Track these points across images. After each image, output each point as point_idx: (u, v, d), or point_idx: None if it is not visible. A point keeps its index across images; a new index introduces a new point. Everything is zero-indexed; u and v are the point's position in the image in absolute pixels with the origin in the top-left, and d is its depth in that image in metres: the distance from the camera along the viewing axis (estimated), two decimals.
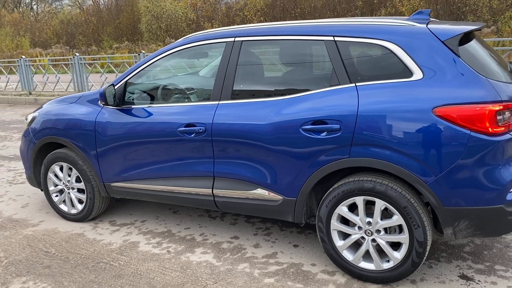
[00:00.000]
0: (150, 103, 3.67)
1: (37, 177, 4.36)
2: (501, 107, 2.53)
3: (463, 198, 2.59)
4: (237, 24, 24.45)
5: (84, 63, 11.95)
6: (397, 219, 2.76)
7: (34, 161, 4.26)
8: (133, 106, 3.64)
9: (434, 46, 2.67)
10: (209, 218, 4.10)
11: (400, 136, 2.63)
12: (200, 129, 3.25)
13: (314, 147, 2.88)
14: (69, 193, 4.16)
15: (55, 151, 4.10)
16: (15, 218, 4.37)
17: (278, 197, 3.11)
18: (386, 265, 2.87)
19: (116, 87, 3.65)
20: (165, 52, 3.56)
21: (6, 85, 13.78)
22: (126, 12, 29.00)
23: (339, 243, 2.99)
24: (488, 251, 3.25)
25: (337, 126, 2.79)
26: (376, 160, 2.72)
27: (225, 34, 3.34)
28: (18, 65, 12.85)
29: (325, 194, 2.98)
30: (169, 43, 16.29)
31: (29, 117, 4.32)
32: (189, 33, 3.37)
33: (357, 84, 2.82)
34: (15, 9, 41.21)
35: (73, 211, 4.17)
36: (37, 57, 24.74)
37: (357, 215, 2.90)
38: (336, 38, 2.93)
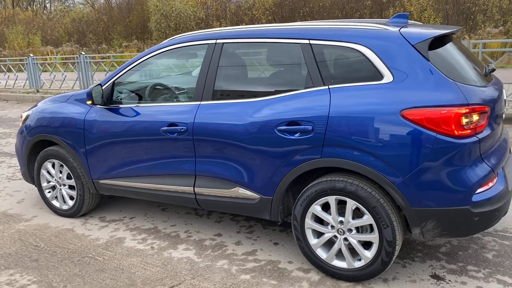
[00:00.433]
0: (138, 103, 3.77)
1: (31, 173, 4.49)
2: (468, 110, 2.58)
3: (429, 198, 2.64)
4: (245, 24, 24.55)
5: (90, 61, 12.12)
6: (367, 219, 2.82)
7: (28, 157, 4.40)
8: (121, 106, 3.75)
9: (404, 50, 2.73)
10: (195, 216, 4.19)
11: (368, 138, 2.69)
12: (182, 129, 3.34)
13: (288, 147, 2.95)
14: (60, 189, 4.28)
15: (47, 148, 4.22)
16: (9, 213, 4.51)
17: (256, 196, 3.19)
18: (357, 264, 2.94)
19: (104, 87, 3.76)
20: (151, 53, 3.66)
21: (15, 83, 14.03)
22: (136, 10, 29.27)
23: (313, 241, 3.06)
24: (464, 252, 3.29)
25: (310, 127, 2.86)
26: (345, 160, 2.78)
27: (207, 36, 3.42)
28: (26, 63, 13.08)
29: (300, 193, 3.05)
30: None
31: (24, 115, 4.45)
32: None
33: (330, 86, 2.88)
34: (28, 7, 41.79)
35: (65, 207, 4.29)
36: (48, 55, 25.09)
37: (330, 214, 2.96)
38: (312, 42, 2.99)
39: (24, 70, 13.43)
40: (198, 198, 3.45)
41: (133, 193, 3.83)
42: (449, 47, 3.07)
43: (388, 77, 2.72)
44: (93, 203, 4.26)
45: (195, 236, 3.79)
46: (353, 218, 2.89)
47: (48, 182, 4.35)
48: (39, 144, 4.34)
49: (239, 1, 27.37)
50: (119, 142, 3.68)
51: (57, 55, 24.30)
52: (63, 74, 12.54)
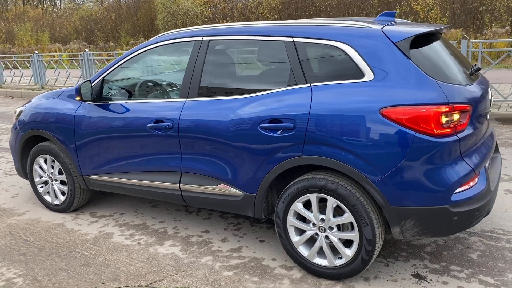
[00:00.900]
0: (127, 99, 3.79)
1: (25, 168, 4.54)
2: (448, 109, 2.56)
3: (408, 197, 2.63)
4: None
5: (93, 59, 12.20)
6: (347, 217, 2.81)
7: (21, 152, 4.44)
8: (110, 102, 3.77)
9: (385, 48, 2.72)
10: (185, 213, 4.21)
11: (348, 136, 2.69)
12: (168, 125, 3.35)
13: (270, 144, 2.96)
14: (52, 184, 4.32)
15: (39, 144, 4.26)
16: (3, 207, 4.56)
17: (239, 193, 3.20)
18: (338, 262, 2.94)
19: (93, 83, 3.79)
20: (140, 49, 3.68)
21: (20, 79, 14.16)
22: (144, 9, 29.35)
23: (295, 238, 3.06)
24: (448, 252, 3.28)
25: (291, 125, 2.86)
26: (325, 158, 2.78)
27: (194, 33, 3.43)
28: (32, 60, 13.19)
29: (283, 191, 3.05)
30: None
31: (18, 111, 4.49)
32: None
33: (312, 84, 2.88)
34: (39, 4, 42.10)
35: (56, 202, 4.33)
36: (56, 52, 25.26)
37: (312, 211, 2.96)
38: (295, 39, 2.99)
39: (30, 67, 13.54)
40: (184, 195, 3.47)
41: (122, 189, 3.85)
42: (435, 46, 3.05)
43: (369, 75, 2.72)
44: (84, 198, 4.30)
45: (183, 232, 3.81)
46: (334, 216, 2.89)
47: (41, 177, 4.40)
48: (32, 139, 4.38)
49: (246, 0, 27.36)
50: (107, 138, 3.71)
51: (64, 52, 24.47)
52: (67, 71, 12.64)
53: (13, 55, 16.04)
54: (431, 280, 2.94)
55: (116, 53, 12.25)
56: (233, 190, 3.22)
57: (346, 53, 2.80)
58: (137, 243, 3.67)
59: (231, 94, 3.22)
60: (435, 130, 2.54)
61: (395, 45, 2.71)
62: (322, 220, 2.93)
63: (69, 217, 4.26)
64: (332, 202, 2.85)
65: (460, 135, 2.63)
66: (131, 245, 3.63)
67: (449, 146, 2.58)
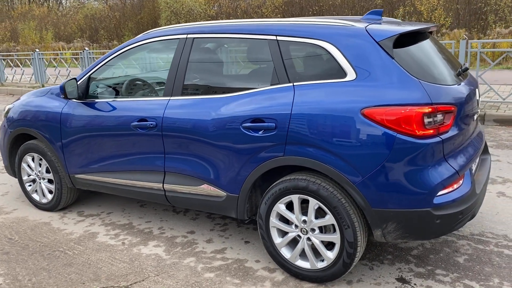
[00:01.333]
0: (114, 97, 3.75)
1: (13, 166, 4.51)
2: (430, 110, 2.50)
3: (390, 199, 2.58)
4: None
5: (93, 57, 12.20)
6: (329, 219, 2.76)
7: (9, 150, 4.42)
8: (96, 100, 3.74)
9: (368, 47, 2.66)
10: (172, 213, 4.17)
11: (329, 136, 2.63)
12: (151, 124, 3.31)
13: (252, 144, 2.91)
14: (40, 183, 4.29)
15: (27, 142, 4.23)
16: None
17: (222, 193, 3.15)
18: (320, 265, 2.88)
19: (79, 81, 3.75)
20: (125, 47, 3.64)
21: (21, 77, 14.18)
22: (148, 7, 29.37)
23: (277, 240, 3.01)
24: (435, 255, 3.21)
25: (273, 125, 2.81)
26: (307, 158, 2.73)
27: (179, 31, 3.39)
28: (32, 58, 13.21)
29: (265, 192, 3.00)
30: None
31: (6, 109, 4.47)
32: None
33: (294, 83, 2.83)
34: (44, 3, 42.23)
35: (44, 201, 4.31)
36: (60, 50, 25.31)
37: (294, 213, 2.91)
38: (278, 38, 2.94)
39: (31, 65, 13.56)
40: (168, 195, 3.43)
41: (107, 189, 3.82)
42: (423, 45, 2.99)
43: (351, 74, 2.66)
44: (72, 197, 4.27)
45: (168, 233, 3.77)
46: (316, 218, 2.84)
47: (29, 175, 4.37)
48: (20, 137, 4.35)
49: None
50: (92, 137, 3.68)
51: (68, 50, 24.52)
52: (67, 69, 12.64)
53: (14, 53, 16.08)
54: (415, 284, 2.88)
55: None
56: (216, 191, 3.17)
57: (329, 52, 2.75)
58: (122, 243, 3.63)
59: (215, 93, 3.17)
60: (417, 131, 2.49)
61: (378, 44, 2.65)
62: (304, 221, 2.87)
63: (56, 215, 4.23)
64: (313, 203, 2.79)
65: (444, 136, 2.56)
66: (115, 245, 3.59)
67: (431, 147, 2.52)
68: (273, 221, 2.99)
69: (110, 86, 3.87)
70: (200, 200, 3.29)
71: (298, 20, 3.05)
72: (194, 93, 3.26)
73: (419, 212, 2.55)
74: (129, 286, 3.02)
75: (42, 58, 13.21)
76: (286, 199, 2.89)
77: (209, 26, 3.30)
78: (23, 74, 14.02)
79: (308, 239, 2.89)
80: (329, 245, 2.89)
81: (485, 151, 3.48)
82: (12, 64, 14.54)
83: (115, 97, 3.72)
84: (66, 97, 3.69)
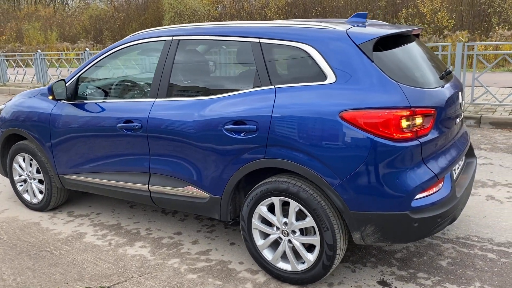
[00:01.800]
0: (102, 98, 3.77)
1: (5, 166, 4.55)
2: (409, 113, 2.50)
3: (368, 202, 2.58)
4: None
5: None
6: (309, 221, 2.76)
7: (1, 151, 4.45)
8: (85, 101, 3.76)
9: (348, 50, 2.66)
10: (161, 214, 4.19)
11: (308, 139, 2.64)
12: (137, 125, 3.33)
13: (234, 146, 2.92)
14: (31, 183, 4.33)
15: (18, 142, 4.27)
16: None
17: (206, 195, 3.16)
18: (301, 267, 2.89)
19: (68, 83, 3.78)
20: (113, 49, 3.66)
21: (23, 77, 14.27)
22: (152, 8, 29.49)
23: (259, 242, 3.02)
24: (418, 258, 3.21)
25: (254, 127, 2.82)
26: (287, 161, 2.74)
27: (165, 33, 3.41)
28: (34, 58, 13.29)
29: (247, 194, 3.01)
30: None
31: None
32: None
33: (276, 86, 2.84)
34: (51, 3, 42.45)
35: (34, 201, 4.34)
36: (64, 51, 25.45)
37: (275, 215, 2.92)
38: (261, 40, 2.95)
39: (32, 66, 13.65)
40: (153, 196, 3.44)
41: (95, 189, 3.84)
42: (407, 48, 2.99)
43: (331, 77, 2.67)
44: (62, 197, 4.29)
45: (155, 233, 3.78)
46: (297, 220, 2.84)
47: (20, 175, 4.40)
48: (12, 138, 4.39)
49: (252, 0, 27.32)
50: (80, 137, 3.70)
51: (72, 51, 24.64)
52: (68, 70, 12.71)
53: (16, 53, 16.18)
54: (395, 287, 2.88)
55: None
56: (200, 192, 3.18)
57: (310, 55, 2.75)
58: (108, 243, 3.65)
59: (199, 95, 3.19)
60: (394, 134, 2.49)
61: (358, 47, 2.65)
62: (285, 223, 2.88)
63: (47, 215, 4.26)
64: (294, 206, 2.80)
65: (422, 140, 2.56)
66: (102, 246, 3.61)
67: (410, 151, 2.52)
68: (255, 223, 2.99)
69: (99, 88, 3.89)
70: (184, 202, 3.30)
71: (281, 23, 3.06)
72: (179, 95, 3.28)
73: (397, 215, 2.55)
74: (112, 287, 3.03)
75: (44, 58, 13.28)
76: (268, 201, 2.90)
77: (194, 28, 3.31)
78: (25, 74, 14.10)
79: (289, 241, 2.90)
80: (311, 247, 2.89)
81: (471, 154, 3.47)
82: (14, 65, 14.64)
83: (105, 99, 3.74)
84: (54, 98, 3.72)
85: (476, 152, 5.53)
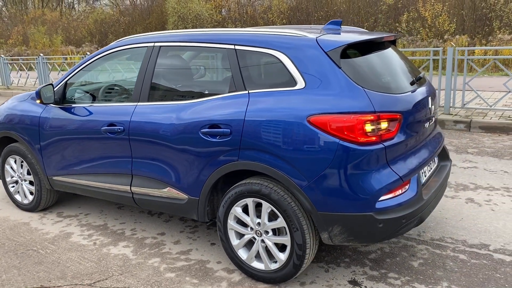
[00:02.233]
0: (90, 102, 3.90)
1: None
2: (373, 117, 2.59)
3: (334, 203, 2.67)
4: None
5: None
6: (280, 221, 2.86)
7: None
8: (73, 105, 3.88)
9: (317, 57, 2.76)
10: (147, 215, 4.29)
11: (278, 142, 2.74)
12: (119, 129, 3.44)
13: (210, 149, 3.02)
14: (22, 184, 4.45)
15: (10, 145, 4.40)
16: None
17: (184, 196, 3.27)
18: (273, 266, 2.98)
19: (56, 87, 3.91)
20: (98, 55, 3.78)
21: (26, 81, 14.49)
22: (156, 13, 29.74)
23: (235, 242, 3.12)
24: (391, 259, 3.29)
25: (228, 130, 2.92)
26: (258, 163, 2.84)
27: (147, 39, 3.52)
28: (37, 62, 13.50)
29: (223, 195, 3.11)
30: None
31: None
32: None
33: (250, 91, 2.94)
34: (57, 7, 42.87)
35: (25, 202, 4.46)
36: (69, 55, 25.71)
37: (249, 216, 3.01)
38: (237, 47, 3.06)
39: (35, 69, 13.85)
40: (135, 197, 3.55)
41: (81, 190, 3.96)
42: (381, 54, 3.09)
43: (300, 83, 2.77)
44: (52, 198, 4.41)
45: (139, 234, 3.89)
46: (269, 220, 2.94)
47: (12, 177, 4.53)
48: (5, 140, 4.52)
49: (255, 5, 27.49)
50: (67, 140, 3.82)
51: (77, 55, 24.90)
52: None
53: (20, 57, 16.41)
54: (365, 286, 2.96)
55: None
56: (178, 193, 3.29)
57: (281, 62, 2.86)
58: (93, 243, 3.76)
59: (178, 99, 3.30)
60: (359, 138, 2.58)
61: (327, 54, 2.75)
62: (259, 224, 2.98)
63: (36, 216, 4.38)
64: (266, 207, 2.90)
65: (387, 143, 2.65)
66: (87, 245, 3.72)
67: (374, 154, 2.62)
68: (231, 223, 3.09)
69: (87, 92, 4.01)
70: (164, 203, 3.41)
71: (257, 30, 3.16)
72: (159, 99, 3.39)
73: (362, 216, 2.64)
74: (93, 284, 3.14)
75: (46, 62, 13.48)
76: (242, 202, 3.00)
77: (175, 35, 3.42)
78: (28, 78, 14.32)
79: (262, 241, 2.99)
80: (283, 247, 2.98)
81: (446, 157, 3.55)
82: (17, 68, 14.85)
83: (92, 103, 3.86)
84: (41, 102, 3.85)
85: (463, 156, 5.60)
